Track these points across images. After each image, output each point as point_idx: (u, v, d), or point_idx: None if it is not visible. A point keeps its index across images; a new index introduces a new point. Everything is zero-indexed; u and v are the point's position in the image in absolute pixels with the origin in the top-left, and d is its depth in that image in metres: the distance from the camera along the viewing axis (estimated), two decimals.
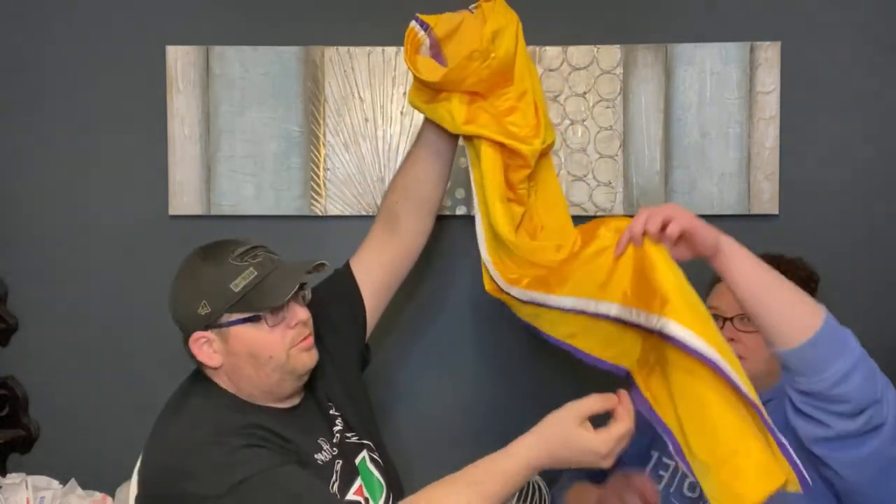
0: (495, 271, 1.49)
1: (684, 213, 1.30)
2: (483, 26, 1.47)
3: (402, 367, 2.08)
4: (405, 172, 1.65)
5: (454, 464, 1.59)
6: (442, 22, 1.53)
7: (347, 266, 1.65)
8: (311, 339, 1.47)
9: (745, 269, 1.30)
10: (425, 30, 1.52)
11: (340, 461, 1.46)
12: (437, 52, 1.53)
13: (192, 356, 1.44)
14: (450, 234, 2.02)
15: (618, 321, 1.33)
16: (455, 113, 1.49)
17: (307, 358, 1.46)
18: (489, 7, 1.52)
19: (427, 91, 1.53)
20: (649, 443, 1.61)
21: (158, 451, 1.39)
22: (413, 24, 1.52)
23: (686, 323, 1.22)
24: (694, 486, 1.50)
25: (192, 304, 1.40)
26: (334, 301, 1.62)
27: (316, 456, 1.43)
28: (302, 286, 1.44)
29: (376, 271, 1.64)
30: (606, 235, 1.36)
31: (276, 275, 1.41)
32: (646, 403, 1.33)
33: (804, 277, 1.57)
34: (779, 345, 1.28)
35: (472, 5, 1.55)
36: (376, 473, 1.51)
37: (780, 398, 1.42)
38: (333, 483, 1.42)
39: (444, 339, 2.07)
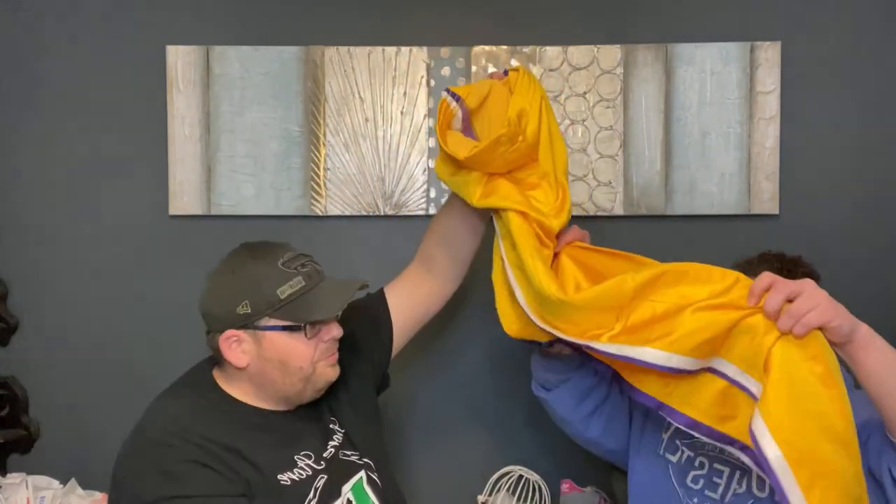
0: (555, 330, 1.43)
1: (820, 300, 1.23)
2: (509, 97, 1.48)
3: (400, 370, 2.08)
4: (442, 220, 1.68)
5: (450, 470, 1.60)
6: (473, 93, 1.52)
7: (382, 292, 1.67)
8: (336, 356, 1.48)
9: (878, 362, 1.23)
10: (457, 101, 1.51)
11: (324, 477, 1.44)
12: (467, 125, 1.54)
13: (217, 352, 1.43)
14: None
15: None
16: (472, 189, 1.51)
17: (331, 373, 1.47)
18: (514, 77, 1.52)
19: (451, 164, 1.53)
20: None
21: (129, 437, 1.41)
22: (445, 95, 1.52)
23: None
24: (703, 464, 1.51)
25: (232, 302, 1.39)
26: (363, 321, 1.63)
27: (281, 476, 1.40)
28: None
29: (408, 303, 1.66)
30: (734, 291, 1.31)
31: (322, 288, 1.43)
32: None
33: (807, 274, 1.57)
34: None
35: (503, 70, 1.56)
36: (372, 496, 1.49)
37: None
38: (310, 500, 1.40)
39: (441, 343, 2.07)
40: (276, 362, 1.41)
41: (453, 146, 1.49)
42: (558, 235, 1.54)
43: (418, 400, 2.10)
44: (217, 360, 1.47)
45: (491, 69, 2.02)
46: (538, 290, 1.42)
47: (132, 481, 1.34)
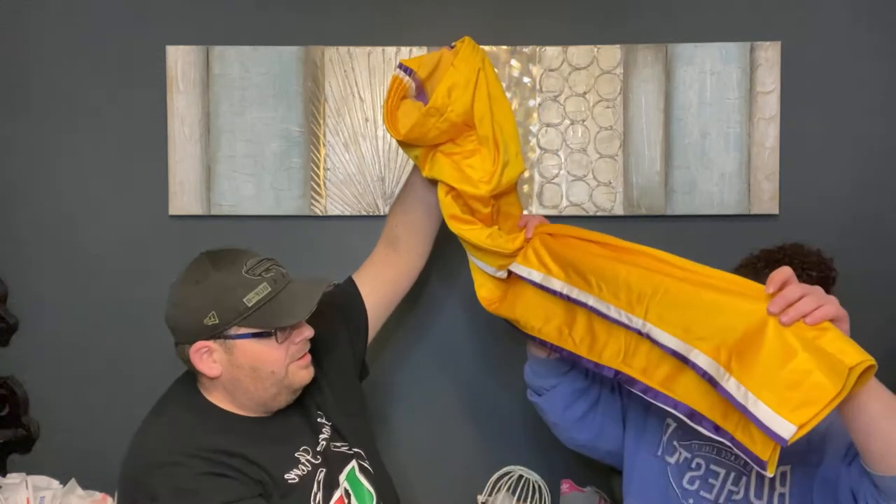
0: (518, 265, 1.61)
1: (832, 300, 1.23)
2: (454, 64, 1.57)
3: (400, 370, 2.08)
4: (403, 199, 1.73)
5: (451, 470, 1.61)
6: (423, 64, 1.62)
7: (352, 281, 1.68)
8: (308, 357, 1.48)
9: (871, 404, 1.21)
10: (409, 74, 1.61)
11: (324, 470, 1.46)
12: (421, 93, 1.64)
13: (189, 363, 1.43)
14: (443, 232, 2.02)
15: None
16: (420, 162, 1.63)
17: (305, 374, 1.47)
18: (460, 47, 1.60)
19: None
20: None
21: (130, 461, 1.40)
22: (397, 71, 1.61)
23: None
24: (700, 465, 1.51)
25: (198, 313, 1.38)
26: (338, 314, 1.63)
27: (288, 475, 1.42)
28: None
29: (379, 286, 1.68)
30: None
31: (289, 292, 1.41)
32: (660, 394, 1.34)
33: (826, 269, 1.57)
34: (878, 469, 1.24)
35: (450, 45, 1.64)
36: (366, 483, 1.51)
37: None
38: (315, 494, 1.42)
39: (441, 343, 2.07)
40: (247, 369, 1.41)
41: (391, 130, 1.60)
42: (523, 218, 1.66)
43: (418, 400, 2.09)
44: (192, 371, 1.47)
45: None
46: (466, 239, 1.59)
47: (143, 500, 1.33)
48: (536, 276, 1.57)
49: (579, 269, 1.51)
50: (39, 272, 2.07)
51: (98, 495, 1.93)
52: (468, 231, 1.59)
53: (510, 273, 1.63)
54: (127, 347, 2.07)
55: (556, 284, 1.54)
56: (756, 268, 1.55)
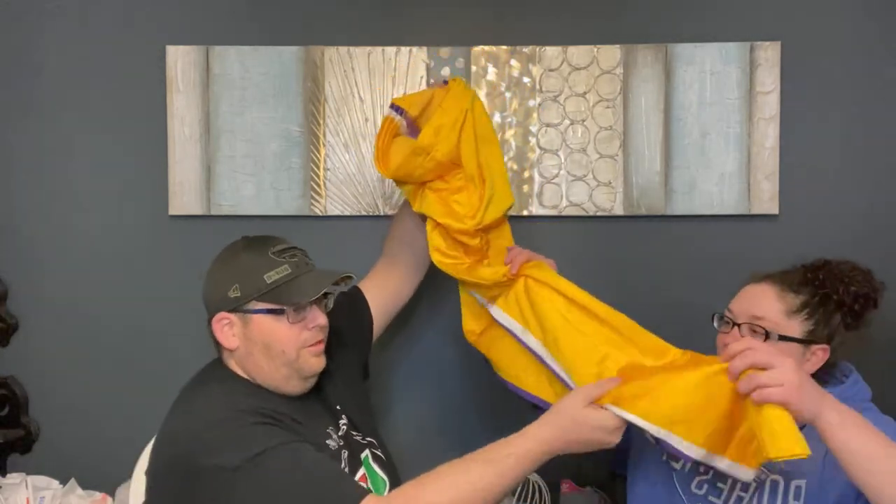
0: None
1: (787, 380, 1.26)
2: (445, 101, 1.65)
3: (399, 370, 2.09)
4: (399, 223, 1.85)
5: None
6: (414, 103, 1.68)
7: (358, 288, 1.78)
8: (322, 346, 1.53)
9: (846, 444, 1.25)
10: (400, 114, 1.67)
11: (346, 451, 1.52)
12: (414, 130, 1.69)
13: (213, 335, 1.50)
14: None
15: None
16: (411, 197, 1.70)
17: (315, 362, 1.52)
18: (452, 86, 1.68)
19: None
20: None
21: (177, 425, 1.43)
22: (388, 111, 1.68)
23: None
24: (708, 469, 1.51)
25: (224, 286, 1.47)
26: (348, 316, 1.71)
27: (327, 441, 1.49)
28: (327, 294, 1.52)
29: (382, 297, 1.79)
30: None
31: (307, 277, 1.49)
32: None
33: (867, 285, 1.53)
34: (877, 501, 1.25)
35: (443, 80, 1.74)
36: (379, 471, 1.57)
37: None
38: (344, 468, 1.48)
39: (442, 343, 2.07)
40: (261, 345, 1.47)
41: (383, 169, 1.66)
42: (510, 253, 1.68)
43: (418, 401, 2.09)
44: (217, 351, 1.53)
45: (491, 69, 2.02)
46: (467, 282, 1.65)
47: (204, 461, 1.34)
48: (516, 327, 1.62)
49: (550, 331, 1.56)
50: (39, 272, 2.07)
51: (98, 495, 1.93)
52: (450, 265, 1.64)
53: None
54: (127, 347, 2.07)
55: (533, 343, 1.60)
56: (792, 283, 1.52)
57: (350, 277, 1.54)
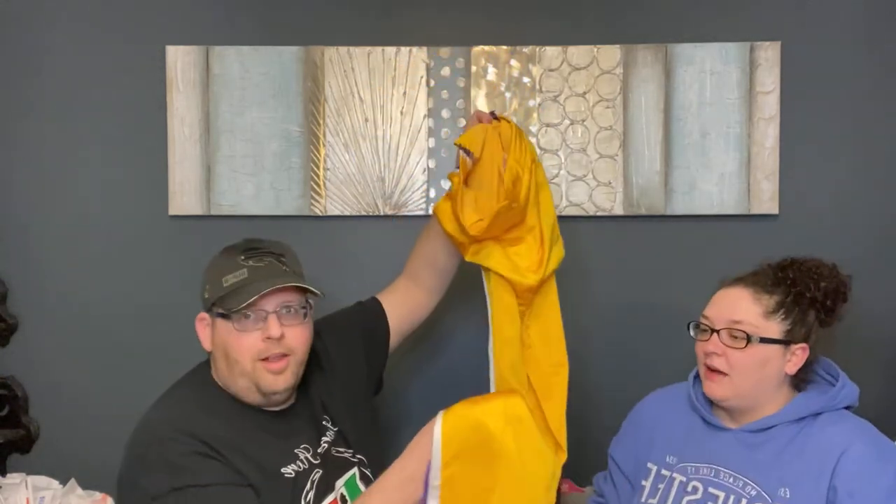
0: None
1: None
2: (500, 148, 1.60)
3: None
4: (425, 243, 1.77)
5: None
6: (475, 142, 1.63)
7: (376, 299, 1.75)
8: (281, 364, 1.45)
9: None
10: (469, 156, 1.63)
11: (320, 472, 1.47)
12: (469, 173, 1.65)
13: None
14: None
15: None
16: (463, 246, 1.65)
17: (272, 380, 1.45)
18: (507, 131, 1.63)
19: (450, 211, 1.64)
20: (646, 456, 1.61)
21: (134, 435, 1.43)
22: (462, 154, 1.64)
23: None
24: (697, 488, 1.50)
25: (203, 286, 1.50)
26: (359, 326, 1.70)
27: (284, 469, 1.43)
28: (291, 307, 1.46)
29: (401, 310, 1.75)
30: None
31: (259, 283, 1.43)
32: None
33: (835, 280, 1.53)
34: None
35: (490, 112, 1.67)
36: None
37: (785, 424, 1.45)
38: (308, 492, 1.43)
39: (447, 346, 2.07)
40: (222, 350, 1.46)
41: (466, 218, 1.60)
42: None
43: (418, 401, 2.09)
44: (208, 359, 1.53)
45: (491, 69, 2.02)
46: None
47: (139, 477, 1.36)
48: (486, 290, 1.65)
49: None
50: (39, 272, 2.07)
51: (98, 495, 1.93)
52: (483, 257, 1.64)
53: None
54: (127, 347, 2.07)
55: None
56: (766, 284, 1.51)
57: (307, 290, 1.47)
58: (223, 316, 1.44)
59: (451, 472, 1.27)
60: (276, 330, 1.43)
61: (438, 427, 1.28)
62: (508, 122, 1.66)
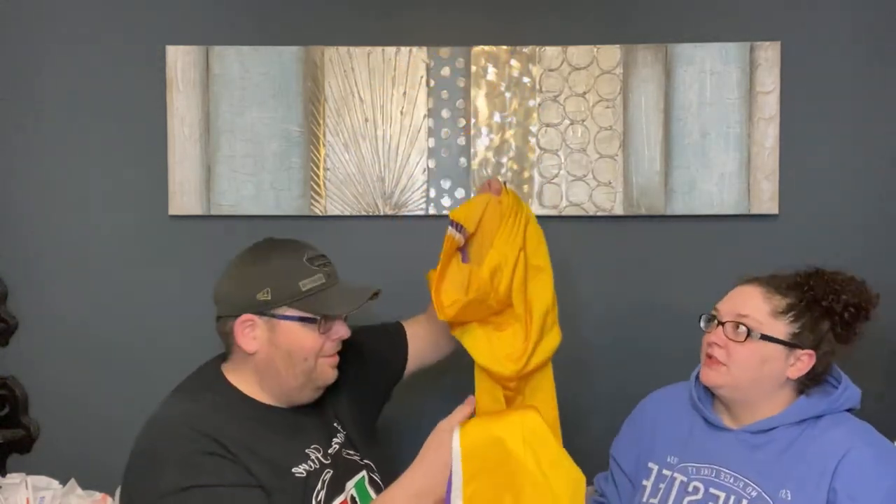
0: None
1: None
2: (500, 223, 1.59)
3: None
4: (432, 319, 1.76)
5: None
6: (471, 217, 1.61)
7: (400, 323, 1.77)
8: (337, 358, 1.52)
9: None
10: (460, 231, 1.61)
11: (331, 472, 1.48)
12: (465, 247, 1.64)
13: (230, 336, 1.47)
14: None
15: None
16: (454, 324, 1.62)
17: (330, 373, 1.51)
18: (507, 203, 1.61)
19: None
20: (647, 456, 1.61)
21: (145, 431, 1.42)
22: (450, 229, 1.60)
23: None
24: (697, 489, 1.50)
25: (253, 288, 1.44)
26: (381, 339, 1.72)
27: (295, 469, 1.44)
28: None
29: (422, 340, 1.76)
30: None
31: (339, 288, 1.50)
32: None
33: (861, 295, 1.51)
34: None
35: (502, 182, 1.66)
36: (373, 495, 1.52)
37: (786, 426, 1.45)
38: (319, 491, 1.44)
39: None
40: (283, 352, 1.45)
41: (447, 290, 1.58)
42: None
43: (417, 401, 2.09)
44: (226, 349, 1.50)
45: (491, 69, 2.02)
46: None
47: (148, 472, 1.35)
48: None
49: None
50: (39, 272, 2.07)
51: (98, 495, 1.93)
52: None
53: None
54: (127, 347, 2.07)
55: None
56: (780, 286, 1.51)
57: (379, 292, 1.53)
58: (304, 320, 1.45)
59: (474, 488, 1.26)
60: (347, 332, 1.51)
61: (457, 443, 1.27)
62: (515, 197, 1.64)
